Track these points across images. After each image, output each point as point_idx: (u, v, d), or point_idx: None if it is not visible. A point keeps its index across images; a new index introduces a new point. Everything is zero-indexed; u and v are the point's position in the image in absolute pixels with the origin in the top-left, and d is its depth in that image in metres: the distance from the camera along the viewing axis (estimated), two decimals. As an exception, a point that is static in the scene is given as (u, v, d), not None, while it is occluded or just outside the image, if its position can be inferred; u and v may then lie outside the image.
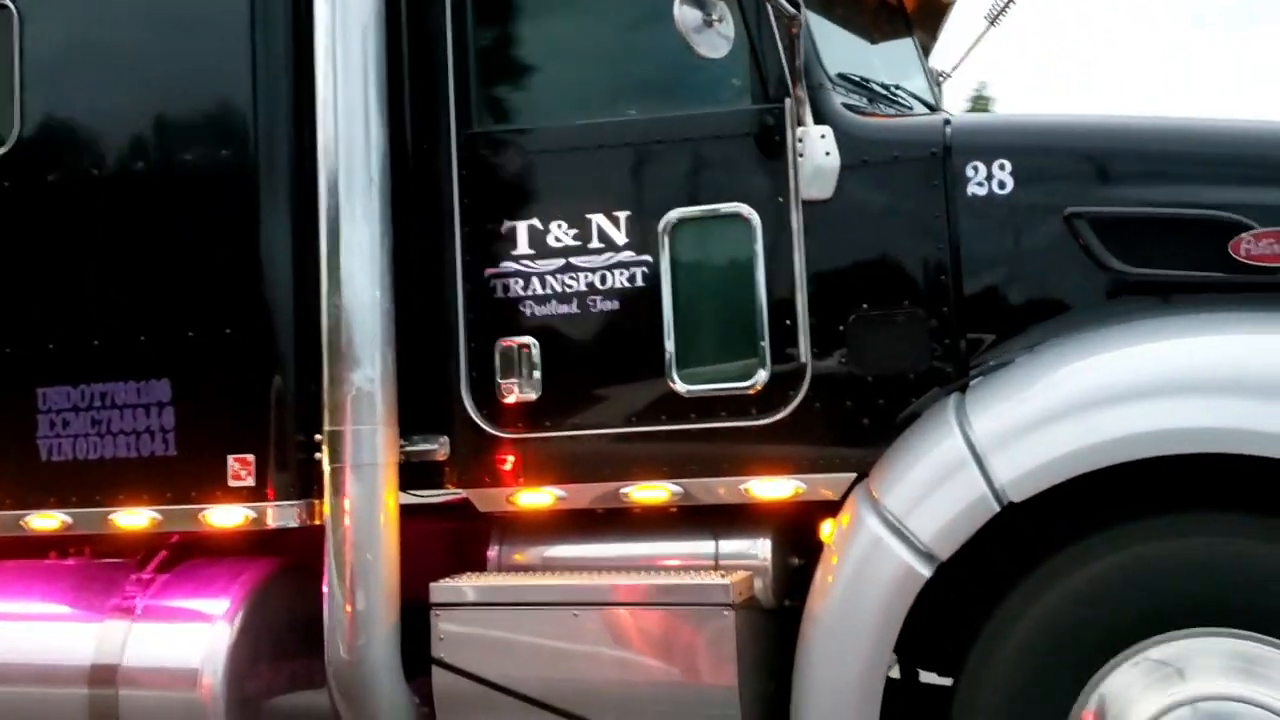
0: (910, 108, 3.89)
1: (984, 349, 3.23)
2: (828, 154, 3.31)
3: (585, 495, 3.51)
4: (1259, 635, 2.63)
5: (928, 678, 3.48)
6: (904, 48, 4.38)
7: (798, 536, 3.42)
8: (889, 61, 4.13)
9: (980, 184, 3.25)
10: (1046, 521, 2.87)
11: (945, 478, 2.91)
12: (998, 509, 2.83)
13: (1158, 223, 3.15)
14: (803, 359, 3.32)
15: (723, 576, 3.19)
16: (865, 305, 3.31)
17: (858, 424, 3.28)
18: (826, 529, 3.22)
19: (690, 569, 3.32)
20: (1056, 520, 2.86)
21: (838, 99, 3.39)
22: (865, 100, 3.66)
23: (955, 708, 2.88)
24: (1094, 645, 2.75)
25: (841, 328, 3.31)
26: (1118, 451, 2.73)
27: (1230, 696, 2.62)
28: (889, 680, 2.96)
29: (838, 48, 3.70)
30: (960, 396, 3.10)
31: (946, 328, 3.25)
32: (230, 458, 3.54)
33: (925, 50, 4.61)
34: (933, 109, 4.07)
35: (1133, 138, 3.35)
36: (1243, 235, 3.04)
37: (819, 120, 3.32)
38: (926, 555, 2.88)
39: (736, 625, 3.11)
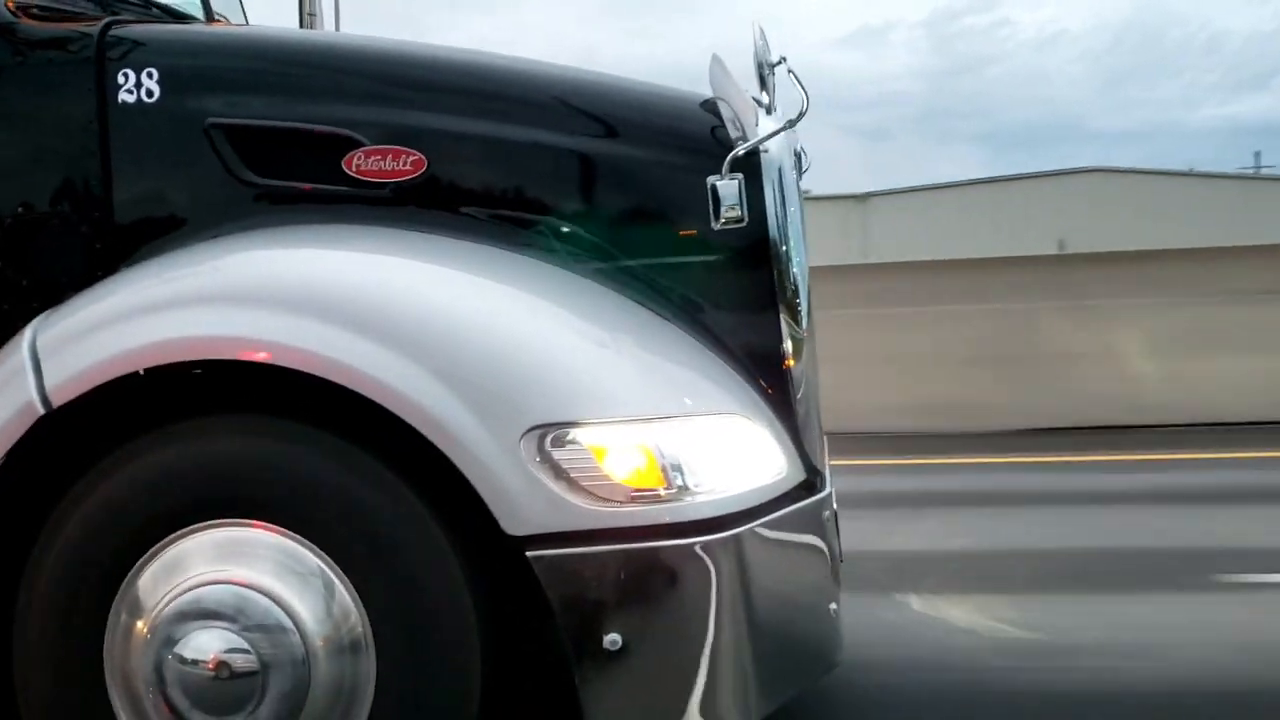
0: (167, 15, 3.86)
1: (132, 258, 3.28)
2: (-19, 52, 3.26)
3: None
4: (257, 522, 2.81)
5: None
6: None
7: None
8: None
9: (130, 91, 3.28)
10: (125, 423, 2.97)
11: (3, 385, 2.94)
12: (42, 413, 2.88)
13: (284, 136, 3.30)
14: None
15: None
16: (21, 209, 3.30)
17: (12, 329, 3.27)
18: None
19: None
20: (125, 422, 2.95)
21: None
22: (93, 6, 3.62)
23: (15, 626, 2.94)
24: (122, 548, 2.85)
25: None
26: (126, 362, 2.84)
27: (222, 580, 2.79)
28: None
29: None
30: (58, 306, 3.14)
31: (99, 235, 3.29)
32: None
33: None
34: (182, 17, 4.06)
35: (270, 52, 3.49)
36: (355, 151, 3.25)
37: (-30, 18, 3.26)
38: None
39: None
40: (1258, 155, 73.55)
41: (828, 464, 3.87)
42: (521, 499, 2.73)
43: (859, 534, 4.32)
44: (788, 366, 3.28)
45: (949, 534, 6.60)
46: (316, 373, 2.76)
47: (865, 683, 4.02)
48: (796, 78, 3.18)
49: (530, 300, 3.05)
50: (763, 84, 3.11)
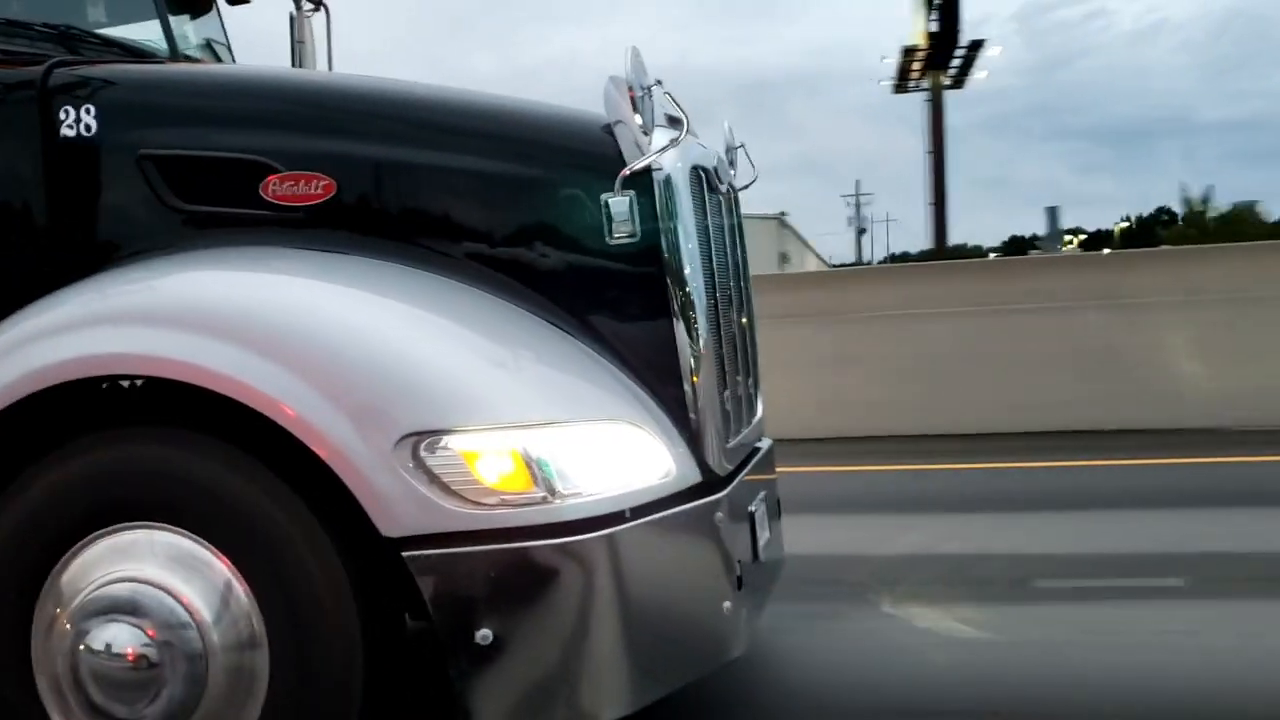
0: (127, 55, 4.11)
1: (74, 282, 3.52)
2: (-72, 93, 3.55)
3: None
4: (165, 525, 3.02)
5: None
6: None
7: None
8: (120, 12, 4.40)
9: (70, 127, 3.55)
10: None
11: None
12: None
13: (206, 164, 3.54)
14: None
15: None
16: None
17: None
18: None
19: None
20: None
21: None
22: (55, 48, 3.87)
23: None
24: (45, 549, 3.09)
25: None
26: (37, 379, 3.08)
27: (133, 579, 3.01)
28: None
29: None
30: None
31: (46, 261, 3.55)
32: None
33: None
34: (144, 55, 4.32)
35: (196, 86, 3.75)
36: (271, 177, 3.47)
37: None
38: None
39: None
40: (857, 183, 76.31)
41: (761, 471, 4.00)
42: (396, 503, 2.90)
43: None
44: (685, 375, 3.40)
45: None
46: (211, 387, 2.97)
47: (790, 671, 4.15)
48: (674, 99, 3.31)
49: (419, 314, 3.22)
50: (635, 107, 3.24)
